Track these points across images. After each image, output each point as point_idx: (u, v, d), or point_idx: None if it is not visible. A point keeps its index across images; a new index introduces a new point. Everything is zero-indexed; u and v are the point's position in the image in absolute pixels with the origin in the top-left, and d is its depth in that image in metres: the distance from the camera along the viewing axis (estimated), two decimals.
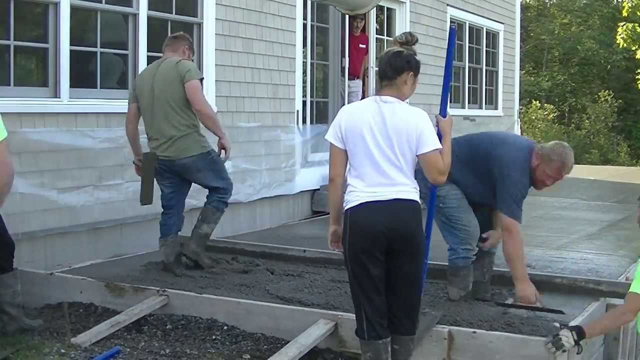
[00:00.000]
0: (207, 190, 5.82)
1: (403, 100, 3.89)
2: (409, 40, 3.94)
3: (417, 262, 3.86)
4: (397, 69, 3.84)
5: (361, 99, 10.40)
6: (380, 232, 3.73)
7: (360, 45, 10.36)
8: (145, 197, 5.58)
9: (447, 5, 12.44)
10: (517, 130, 15.26)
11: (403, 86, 3.86)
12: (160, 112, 5.56)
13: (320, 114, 9.59)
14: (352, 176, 3.86)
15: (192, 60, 5.88)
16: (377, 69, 4.32)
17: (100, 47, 6.58)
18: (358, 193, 3.79)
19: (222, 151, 5.74)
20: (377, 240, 3.74)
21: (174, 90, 5.52)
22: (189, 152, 5.60)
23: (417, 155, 3.80)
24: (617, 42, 23.70)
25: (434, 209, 4.56)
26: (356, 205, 3.78)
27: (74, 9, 6.26)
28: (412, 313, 3.93)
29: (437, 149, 3.81)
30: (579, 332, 3.96)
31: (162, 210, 5.76)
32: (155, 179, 5.65)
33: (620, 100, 29.30)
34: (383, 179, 3.78)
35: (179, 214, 5.83)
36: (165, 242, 5.75)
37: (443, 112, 4.22)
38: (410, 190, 3.81)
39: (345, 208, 3.83)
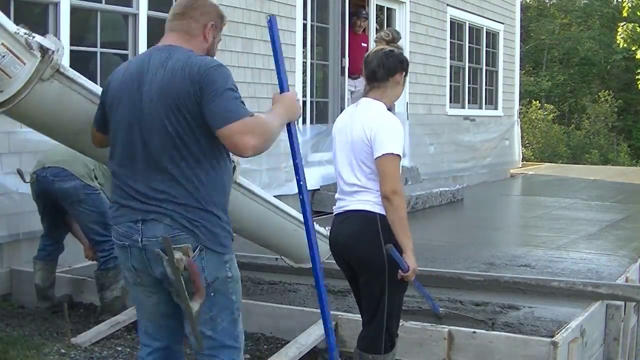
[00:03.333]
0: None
1: (392, 103, 3.67)
2: (395, 37, 3.63)
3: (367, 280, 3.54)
4: (391, 70, 3.57)
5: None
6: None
7: (362, 44, 10.37)
8: None
9: (447, 5, 12.44)
10: (517, 131, 15.26)
11: (395, 87, 3.61)
12: None
13: (320, 114, 9.58)
14: None
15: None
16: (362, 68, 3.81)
17: (100, 47, 6.58)
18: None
19: None
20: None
21: None
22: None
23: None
24: (617, 42, 23.67)
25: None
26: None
27: (74, 9, 6.25)
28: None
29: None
30: None
31: None
32: None
33: (620, 100, 29.29)
34: None
35: None
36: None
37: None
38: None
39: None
